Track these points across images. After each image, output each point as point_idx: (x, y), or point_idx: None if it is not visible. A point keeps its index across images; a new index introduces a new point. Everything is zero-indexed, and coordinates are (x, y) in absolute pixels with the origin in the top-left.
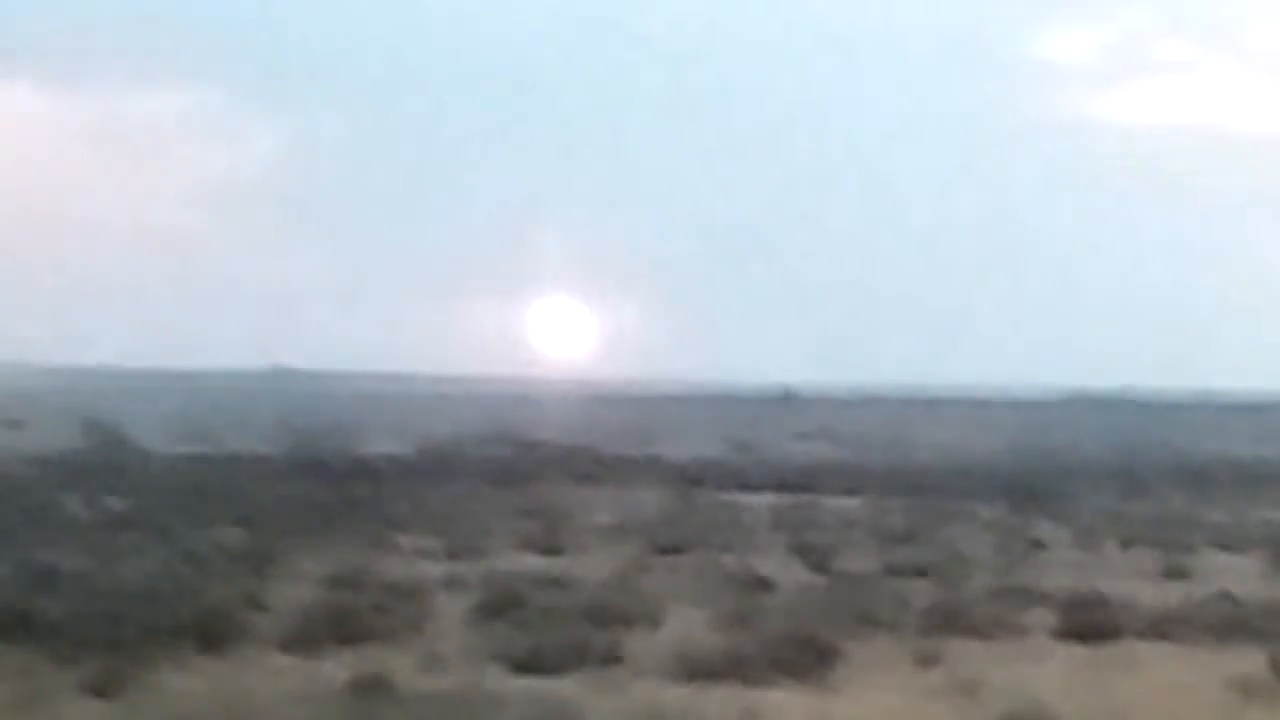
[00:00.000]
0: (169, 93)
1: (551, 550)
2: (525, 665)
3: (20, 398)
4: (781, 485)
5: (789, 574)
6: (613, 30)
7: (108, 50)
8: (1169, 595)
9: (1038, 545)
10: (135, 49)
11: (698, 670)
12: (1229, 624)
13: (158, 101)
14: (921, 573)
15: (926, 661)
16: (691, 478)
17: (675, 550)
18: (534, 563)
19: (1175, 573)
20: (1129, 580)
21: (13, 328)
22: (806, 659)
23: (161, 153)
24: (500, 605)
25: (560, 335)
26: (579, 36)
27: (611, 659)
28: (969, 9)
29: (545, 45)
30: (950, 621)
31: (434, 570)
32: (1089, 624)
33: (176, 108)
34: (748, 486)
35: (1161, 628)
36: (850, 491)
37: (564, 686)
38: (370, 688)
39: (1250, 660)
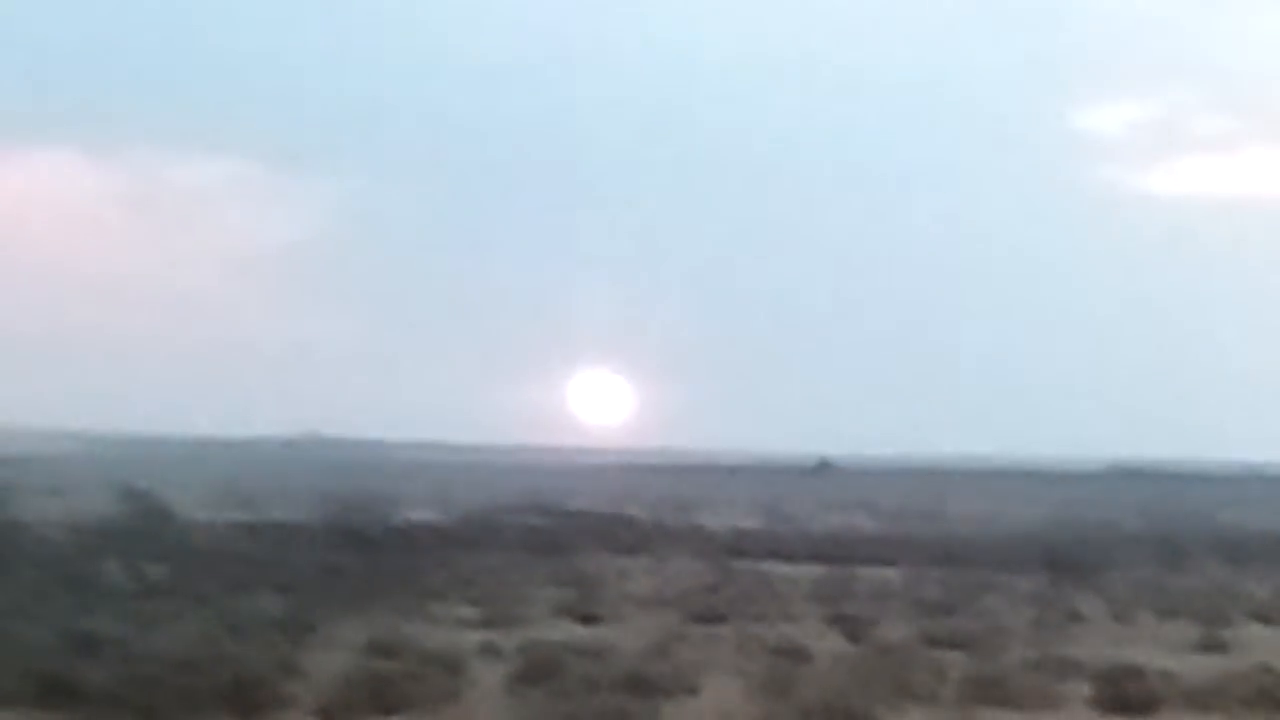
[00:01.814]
0: (209, 160)
1: (589, 619)
2: None
3: (59, 464)
4: (818, 555)
5: (826, 644)
6: (654, 108)
7: (151, 119)
8: (1207, 667)
9: (1075, 617)
10: (178, 117)
11: None
12: (1267, 696)
13: (198, 169)
14: (959, 643)
15: None
16: (729, 547)
17: (713, 620)
18: (571, 631)
19: (1213, 645)
20: (1166, 652)
21: (53, 395)
22: None
23: (201, 219)
24: (537, 674)
25: (599, 405)
26: (621, 109)
27: None
28: (1012, 80)
29: (585, 121)
30: (987, 692)
31: (471, 639)
32: (1126, 695)
33: (216, 175)
34: (785, 556)
35: (1199, 700)
36: (887, 562)
37: None
38: None
39: None
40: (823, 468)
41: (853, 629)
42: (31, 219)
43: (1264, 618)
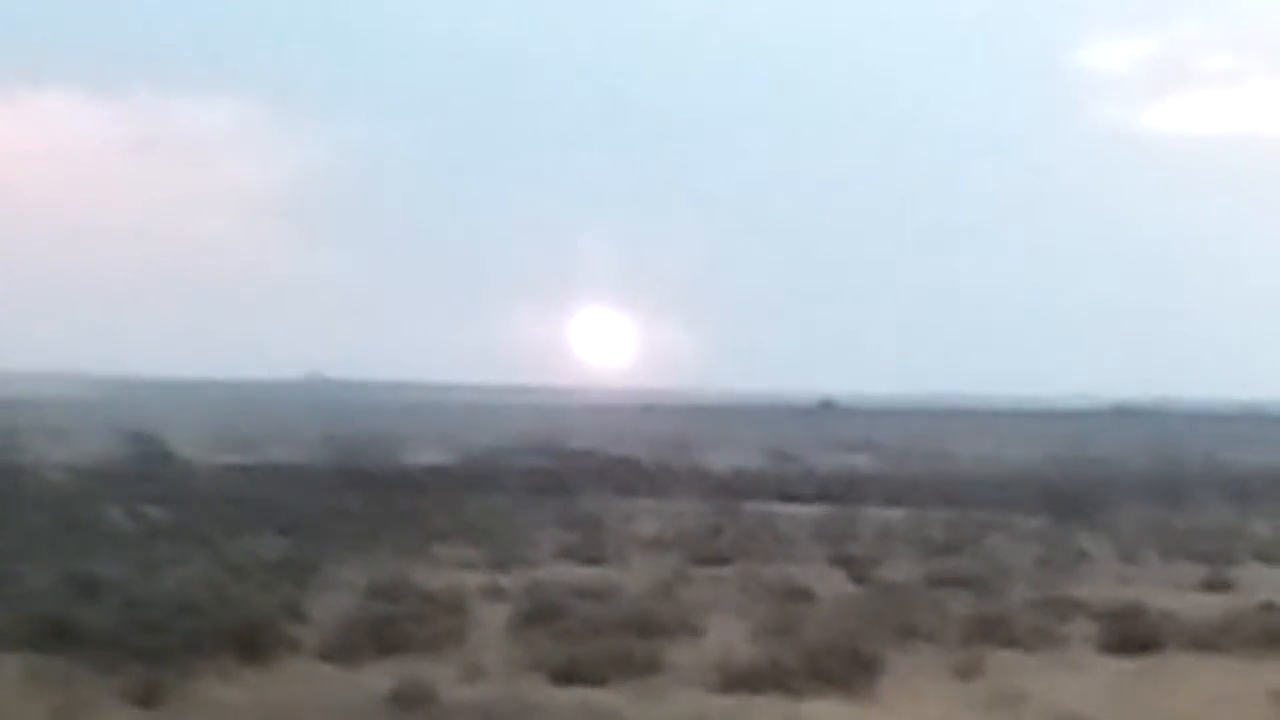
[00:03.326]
0: (213, 102)
1: (592, 560)
2: (566, 675)
3: (63, 407)
4: (822, 496)
5: (830, 584)
6: (660, 47)
7: (156, 61)
8: (1211, 607)
9: (1079, 556)
10: (182, 60)
11: (739, 681)
12: (1271, 636)
13: (202, 111)
14: (963, 584)
15: (967, 673)
16: (732, 488)
17: (716, 561)
18: (575, 573)
19: (1217, 584)
20: (1171, 592)
21: (56, 338)
22: (848, 670)
23: (204, 162)
24: (541, 615)
25: (601, 346)
26: (626, 50)
27: (652, 669)
28: (1017, 17)
29: (592, 58)
30: (991, 632)
31: (475, 580)
32: (1131, 635)
33: (220, 117)
34: (788, 497)
35: (1203, 639)
36: (891, 502)
37: (605, 697)
38: (411, 698)
39: None
40: (825, 407)
41: (857, 569)
42: (37, 161)
43: (1268, 557)
